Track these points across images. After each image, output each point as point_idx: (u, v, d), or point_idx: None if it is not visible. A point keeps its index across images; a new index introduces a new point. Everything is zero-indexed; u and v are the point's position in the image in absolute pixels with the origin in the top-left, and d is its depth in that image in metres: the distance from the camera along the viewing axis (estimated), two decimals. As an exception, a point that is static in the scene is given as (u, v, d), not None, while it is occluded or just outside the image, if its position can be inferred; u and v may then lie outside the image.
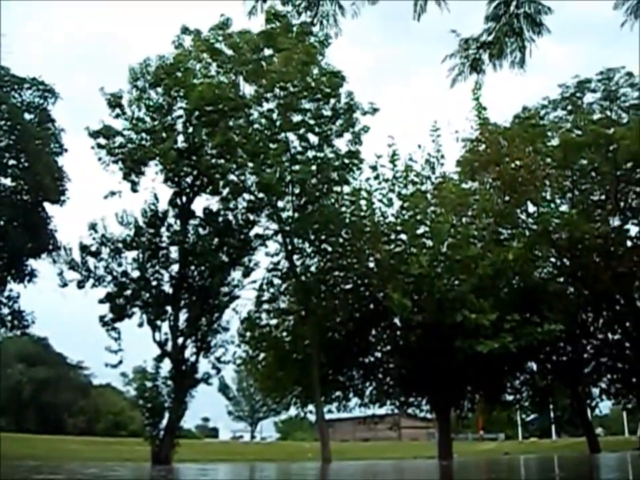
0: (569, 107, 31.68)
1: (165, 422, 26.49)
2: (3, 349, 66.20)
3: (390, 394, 29.16)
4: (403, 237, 25.55)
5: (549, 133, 30.27)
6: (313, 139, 26.16)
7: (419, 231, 25.32)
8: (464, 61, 9.85)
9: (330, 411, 29.32)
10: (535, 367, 30.68)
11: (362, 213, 25.97)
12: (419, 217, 25.36)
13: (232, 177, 26.72)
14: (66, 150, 28.47)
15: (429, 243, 24.89)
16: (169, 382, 26.68)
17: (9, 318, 27.21)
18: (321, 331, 26.59)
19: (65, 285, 27.20)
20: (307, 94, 25.52)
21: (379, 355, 28.60)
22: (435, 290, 23.56)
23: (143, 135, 26.83)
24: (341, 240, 26.38)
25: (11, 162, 26.43)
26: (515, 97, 55.00)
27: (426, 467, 22.35)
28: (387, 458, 36.05)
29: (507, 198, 27.47)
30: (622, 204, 30.40)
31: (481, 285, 23.60)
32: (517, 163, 27.05)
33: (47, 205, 27.68)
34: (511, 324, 22.98)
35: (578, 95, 31.40)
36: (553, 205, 29.66)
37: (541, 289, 26.11)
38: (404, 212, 25.82)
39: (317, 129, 25.97)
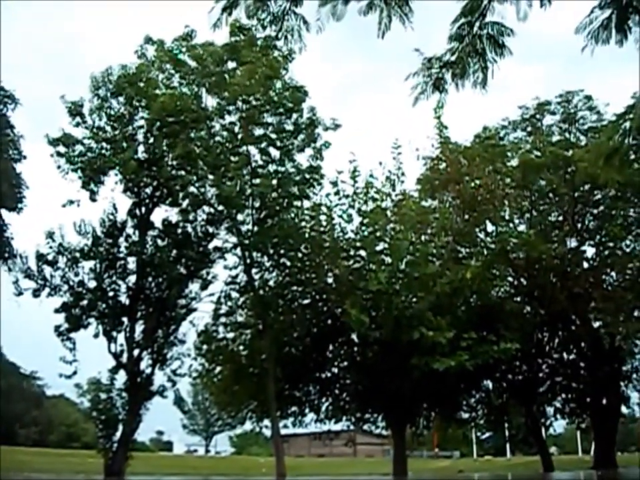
0: (529, 128, 32.15)
1: (118, 434, 26.10)
2: (-46, 357, 64.83)
3: (346, 410, 29.14)
4: (362, 253, 25.57)
5: (509, 153, 30.61)
6: (274, 152, 26.11)
7: (378, 248, 25.36)
8: (427, 80, 9.96)
9: (285, 426, 29.28)
10: (490, 385, 30.96)
11: (322, 228, 25.99)
12: (378, 234, 25.41)
13: (192, 188, 26.54)
14: (25, 157, 28.03)
15: (388, 259, 24.94)
16: (124, 394, 26.33)
17: (-38, 326, 26.63)
18: (277, 346, 26.48)
19: (20, 293, 26.73)
20: (269, 108, 25.48)
21: (335, 370, 28.57)
22: (393, 307, 23.60)
23: (104, 144, 26.52)
24: (300, 254, 26.35)
25: (-33, 168, 25.93)
26: (476, 116, 55.51)
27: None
28: (342, 474, 35.97)
29: (466, 216, 27.72)
30: (579, 225, 30.85)
31: (438, 303, 23.72)
32: (477, 182, 27.30)
33: (3, 211, 27.24)
34: (467, 342, 23.08)
35: (537, 116, 31.87)
36: (511, 225, 30.05)
37: (497, 308, 26.33)
38: (363, 228, 25.87)
39: (278, 143, 25.93)
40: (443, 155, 28.82)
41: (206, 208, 27.27)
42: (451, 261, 25.34)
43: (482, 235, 28.93)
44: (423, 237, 25.98)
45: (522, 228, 30.34)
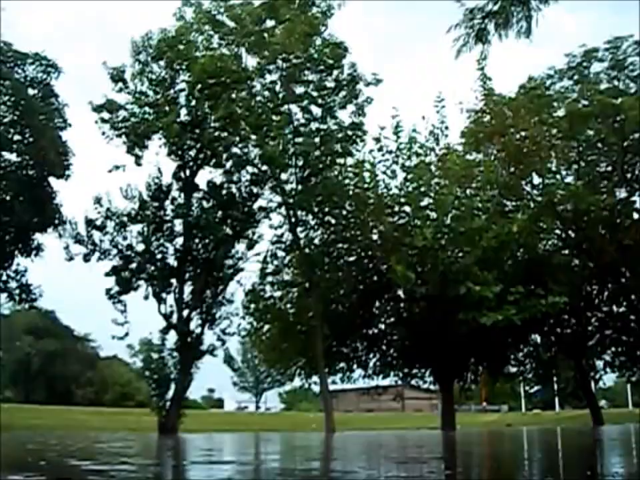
0: (576, 77, 31.26)
1: (171, 393, 26.74)
2: (11, 322, 66.81)
3: (393, 365, 29.34)
4: (407, 208, 25.52)
5: (555, 104, 29.90)
6: (316, 110, 26.05)
7: (423, 203, 25.29)
8: (469, 31, 9.76)
9: (334, 382, 29.54)
10: (538, 339, 30.76)
11: (365, 185, 25.91)
12: (422, 189, 25.30)
13: (235, 149, 26.70)
14: (70, 124, 28.40)
15: (433, 215, 24.87)
16: (175, 353, 26.88)
17: (17, 292, 27.36)
18: (324, 303, 26.71)
19: (71, 258, 27.41)
20: (309, 65, 25.38)
21: (382, 326, 28.73)
22: (439, 262, 23.59)
23: (146, 108, 26.78)
24: (344, 212, 26.38)
25: (16, 137, 26.40)
26: (520, 66, 54.46)
27: (430, 438, 22.53)
28: (390, 428, 36.30)
29: (511, 169, 27.37)
30: (628, 175, 30.12)
31: (484, 257, 23.60)
32: (522, 133, 26.90)
33: (52, 179, 27.70)
34: (514, 296, 22.99)
35: (585, 64, 30.96)
36: (558, 177, 29.50)
37: (545, 261, 26.09)
38: (408, 184, 25.77)
39: (319, 101, 25.84)
40: (487, 107, 28.38)
41: (250, 168, 27.44)
42: (496, 215, 25.09)
43: (528, 188, 28.53)
44: (468, 191, 25.78)
45: (569, 179, 29.77)
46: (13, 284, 27.15)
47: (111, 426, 31.14)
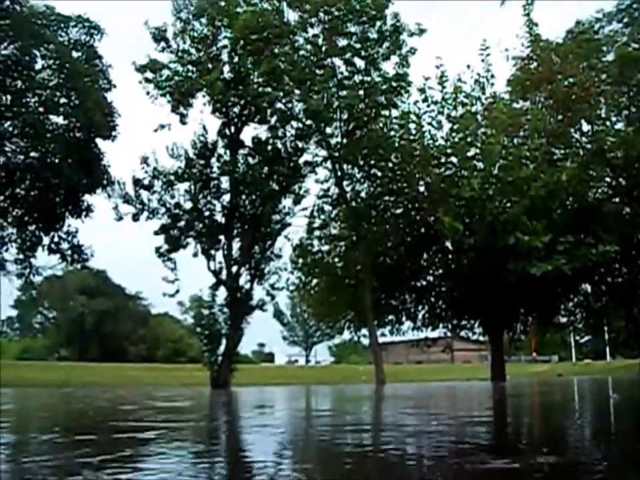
0: (625, 20, 30.27)
1: (222, 348, 27.23)
2: (64, 282, 68.52)
3: (442, 317, 29.40)
4: (454, 159, 25.28)
5: (604, 48, 29.02)
6: (360, 63, 25.81)
7: (470, 153, 25.01)
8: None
9: (383, 335, 29.75)
10: (589, 288, 30.39)
11: (411, 137, 25.69)
12: (469, 139, 25.01)
13: (279, 104, 26.64)
14: (114, 86, 28.61)
15: (480, 165, 24.59)
16: (225, 309, 27.30)
17: (69, 252, 27.88)
18: (372, 256, 26.81)
19: (120, 218, 27.87)
20: (351, 17, 25.08)
21: (430, 278, 28.75)
22: (487, 212, 23.39)
23: (189, 67, 26.84)
24: (390, 164, 26.25)
25: (62, 100, 26.66)
26: (567, 11, 52.88)
27: (480, 388, 22.64)
28: (440, 380, 36.52)
29: (560, 117, 26.79)
30: (681, 120, 29.30)
31: (533, 207, 23.30)
32: (571, 80, 26.24)
33: (99, 141, 28.00)
34: (564, 245, 22.71)
35: (635, 6, 29.91)
36: (608, 123, 28.73)
37: (595, 210, 25.64)
38: (454, 134, 25.48)
39: (363, 53, 25.59)
40: (534, 53, 27.73)
41: (294, 123, 27.39)
42: (545, 164, 24.67)
43: (577, 135, 27.92)
44: (515, 140, 25.39)
45: (620, 126, 28.98)
46: (64, 245, 27.68)
47: (164, 382, 31.89)
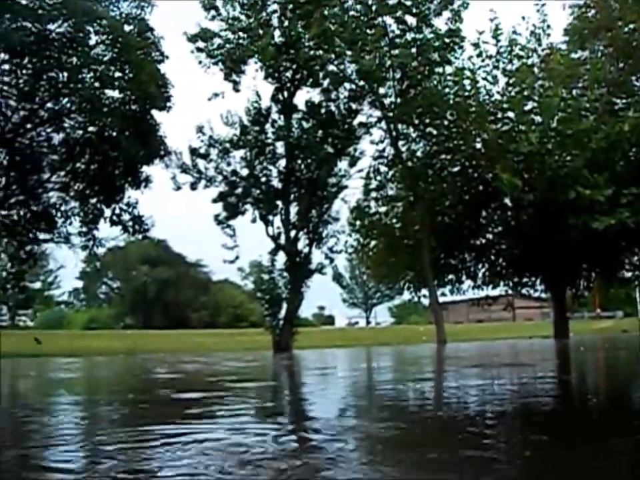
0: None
1: (283, 312, 27.59)
2: (127, 253, 69.95)
3: (503, 275, 29.18)
4: (511, 114, 24.79)
5: (666, -9, 28.02)
6: (411, 20, 25.37)
7: (527, 107, 24.48)
8: None
9: (443, 294, 29.65)
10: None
11: (466, 93, 25.24)
12: (526, 93, 24.46)
13: (331, 67, 26.48)
14: (167, 57, 28.67)
15: (538, 118, 24.08)
16: (285, 274, 27.59)
17: (130, 223, 28.33)
18: (430, 216, 26.66)
19: (178, 188, 28.34)
20: (401, -27, 24.62)
21: (490, 236, 28.48)
22: (546, 167, 22.97)
23: (240, 34, 26.82)
24: (446, 122, 25.89)
25: (117, 74, 26.91)
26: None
27: (543, 346, 22.50)
28: (502, 338, 36.34)
29: (620, 65, 26.03)
30: None
31: (594, 159, 22.76)
32: (631, 26, 25.42)
33: (154, 112, 28.22)
34: (627, 198, 22.14)
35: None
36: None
37: (660, 160, 24.93)
38: (510, 88, 24.96)
39: (414, 10, 25.13)
40: (592, 0, 26.90)
41: (347, 85, 27.21)
42: (606, 114, 24.02)
43: (639, 83, 27.09)
44: (574, 92, 24.81)
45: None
46: (125, 217, 28.13)
47: (227, 347, 32.42)
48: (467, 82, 25.32)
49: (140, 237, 30.01)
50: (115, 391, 8.72)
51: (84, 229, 27.56)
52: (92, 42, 26.10)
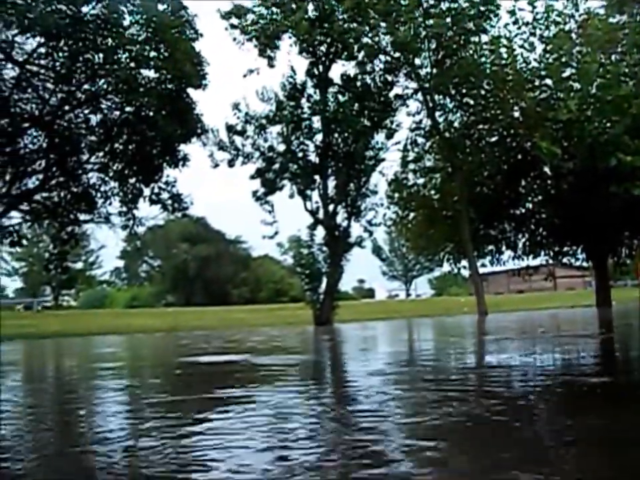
0: None
1: (323, 286, 27.76)
2: (167, 231, 70.77)
3: (543, 245, 28.99)
4: (548, 81, 24.50)
5: None
6: (445, -12, 25.09)
7: (565, 74, 24.17)
8: None
9: (483, 265, 29.59)
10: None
11: (503, 62, 24.95)
12: (564, 59, 24.13)
13: (366, 39, 26.32)
14: (201, 35, 28.74)
15: (577, 85, 23.77)
16: (324, 248, 27.71)
17: (169, 202, 28.65)
18: (469, 186, 26.56)
19: (216, 165, 28.52)
20: (434, -58, 24.32)
21: (530, 205, 28.28)
22: (586, 134, 22.69)
23: (273, 9, 26.77)
24: (482, 92, 25.66)
25: (152, 54, 27.06)
26: None
27: (586, 315, 22.38)
28: (543, 308, 36.11)
29: (661, 27, 25.44)
30: None
31: (635, 125, 22.36)
32: (672, -13, 24.84)
33: (190, 90, 28.37)
34: (670, 163, 21.85)
35: None
36: None
37: None
38: (547, 55, 24.62)
39: (448, -22, 24.86)
40: (630, -38, 26.29)
41: (382, 57, 27.03)
42: (646, 79, 23.61)
43: (681, 47, 26.48)
44: (613, 57, 24.34)
45: None
46: (164, 195, 28.44)
47: (269, 322, 32.72)
48: (503, 50, 25.03)
49: (179, 215, 30.37)
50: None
51: (124, 209, 27.98)
52: (126, 22, 26.27)
